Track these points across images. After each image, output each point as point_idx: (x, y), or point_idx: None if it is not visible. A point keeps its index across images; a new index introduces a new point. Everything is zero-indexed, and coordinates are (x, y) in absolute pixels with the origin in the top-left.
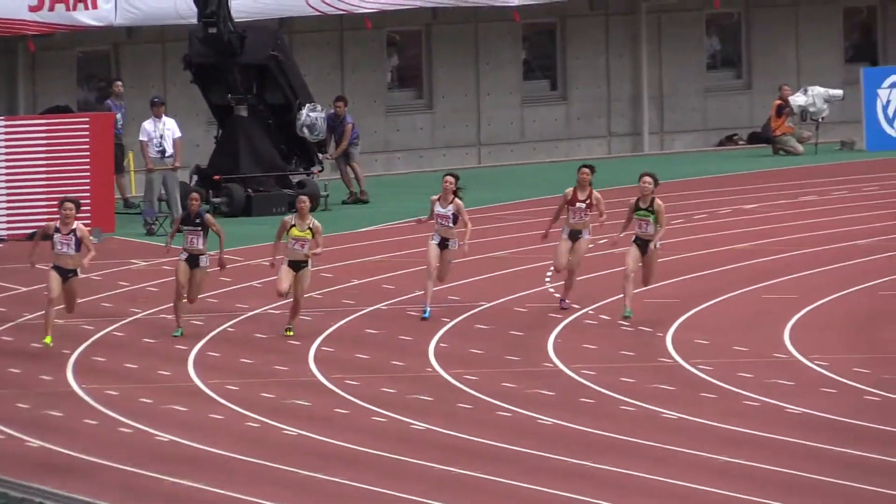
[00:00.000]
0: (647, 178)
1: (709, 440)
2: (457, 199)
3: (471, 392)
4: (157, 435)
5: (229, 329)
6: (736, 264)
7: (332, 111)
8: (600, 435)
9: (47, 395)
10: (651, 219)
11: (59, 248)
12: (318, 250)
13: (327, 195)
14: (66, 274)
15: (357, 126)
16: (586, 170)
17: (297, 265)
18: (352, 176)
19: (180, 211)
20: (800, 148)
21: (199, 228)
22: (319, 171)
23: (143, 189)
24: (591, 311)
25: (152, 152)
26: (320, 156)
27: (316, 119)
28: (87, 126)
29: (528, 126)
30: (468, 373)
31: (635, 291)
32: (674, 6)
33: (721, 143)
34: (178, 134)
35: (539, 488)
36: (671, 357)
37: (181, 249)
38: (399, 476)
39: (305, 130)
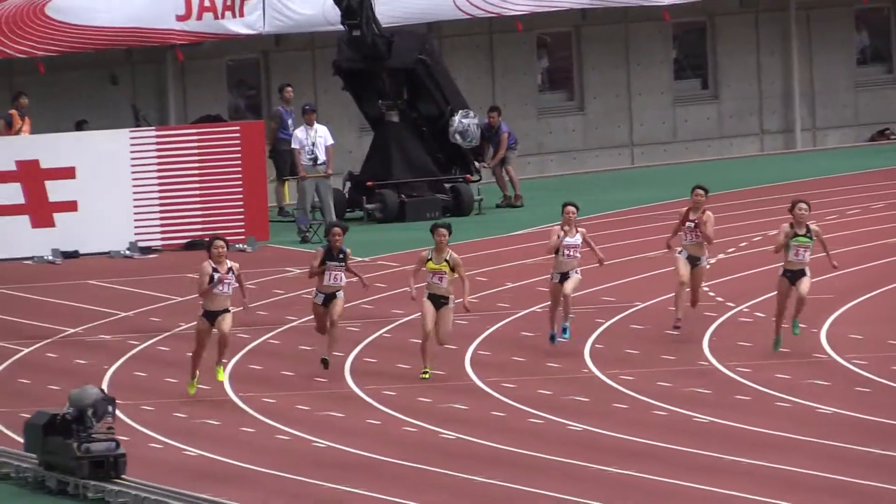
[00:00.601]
0: (803, 206)
1: (864, 433)
2: (580, 228)
3: (627, 392)
4: (315, 441)
5: (385, 335)
6: (889, 259)
7: (487, 121)
8: (758, 432)
9: (205, 403)
10: (810, 244)
11: (221, 288)
12: (467, 299)
13: (481, 199)
14: (216, 315)
15: (512, 130)
16: (700, 191)
17: (437, 300)
18: (506, 179)
19: (334, 217)
20: None
21: (343, 265)
22: (476, 180)
23: (296, 197)
24: (745, 309)
25: (304, 160)
26: (477, 164)
27: (469, 125)
28: (238, 134)
29: (680, 125)
30: (623, 373)
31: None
32: (823, 2)
33: (873, 138)
34: (330, 141)
35: (698, 486)
36: (825, 353)
37: (315, 292)
38: (557, 476)
39: (458, 137)
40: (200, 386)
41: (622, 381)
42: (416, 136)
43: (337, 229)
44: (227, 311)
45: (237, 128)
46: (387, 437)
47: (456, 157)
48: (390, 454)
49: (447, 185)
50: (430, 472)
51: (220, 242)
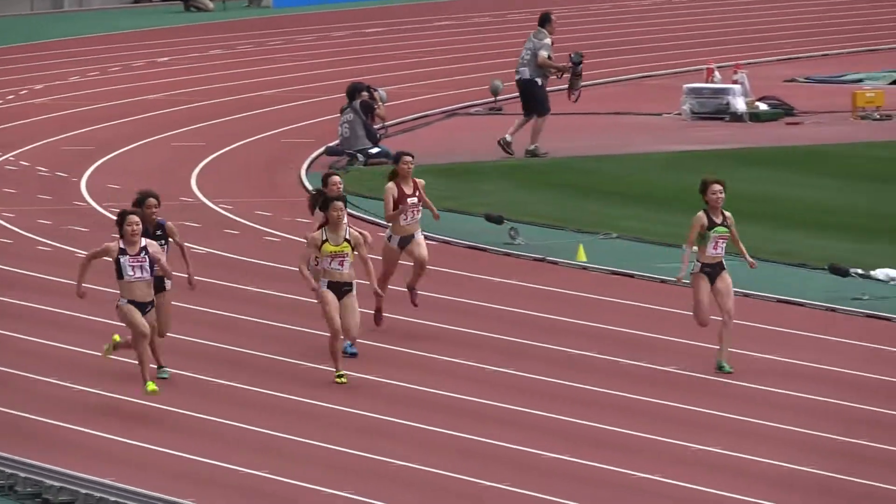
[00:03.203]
0: (717, 188)
1: (250, 274)
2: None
3: None
4: None
5: None
6: (148, 114)
7: None
8: (18, 273)
9: None
10: (728, 234)
11: (131, 273)
12: (375, 284)
13: None
14: (145, 308)
15: None
16: (409, 158)
17: (339, 288)
18: None
19: None
20: (210, 5)
21: (163, 243)
22: None
23: None
24: (11, 157)
25: None
26: None
27: None
28: None
29: None
30: None
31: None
32: None
33: (137, 1)
34: None
35: (44, 307)
36: (85, 200)
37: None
38: None
39: None
40: None
41: None
42: None
43: (151, 199)
44: (151, 304)
45: None
46: None
47: None
48: None
49: None
50: None
51: (134, 217)
